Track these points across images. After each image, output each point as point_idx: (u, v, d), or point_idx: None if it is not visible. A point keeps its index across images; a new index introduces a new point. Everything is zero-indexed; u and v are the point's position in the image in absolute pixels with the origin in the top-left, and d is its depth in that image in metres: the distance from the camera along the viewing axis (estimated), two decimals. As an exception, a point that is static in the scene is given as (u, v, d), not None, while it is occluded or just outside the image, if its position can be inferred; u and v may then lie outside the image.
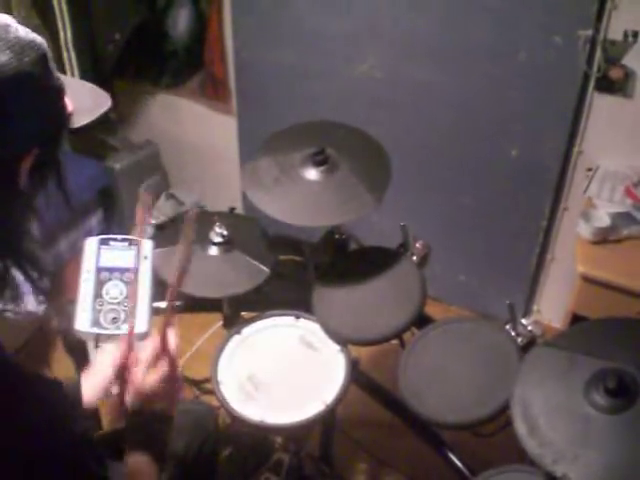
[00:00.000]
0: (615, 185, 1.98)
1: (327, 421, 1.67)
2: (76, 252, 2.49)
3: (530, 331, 1.29)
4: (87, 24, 2.43)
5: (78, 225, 2.63)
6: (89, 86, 1.00)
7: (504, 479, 1.11)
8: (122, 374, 1.05)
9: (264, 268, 1.46)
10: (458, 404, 1.25)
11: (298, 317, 1.46)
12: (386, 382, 1.50)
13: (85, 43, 2.44)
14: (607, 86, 1.93)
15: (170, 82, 2.73)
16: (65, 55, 2.38)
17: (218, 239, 1.48)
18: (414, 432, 1.43)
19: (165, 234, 1.71)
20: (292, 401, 1.29)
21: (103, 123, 2.85)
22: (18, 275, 0.81)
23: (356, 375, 1.39)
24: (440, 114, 2.24)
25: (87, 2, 2.42)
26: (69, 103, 0.80)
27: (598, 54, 1.88)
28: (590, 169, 2.05)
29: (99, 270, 1.24)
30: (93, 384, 1.17)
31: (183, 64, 2.64)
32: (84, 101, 0.88)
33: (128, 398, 1.03)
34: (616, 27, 1.83)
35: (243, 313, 1.57)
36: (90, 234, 2.59)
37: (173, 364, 1.05)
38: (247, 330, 1.44)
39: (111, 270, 1.25)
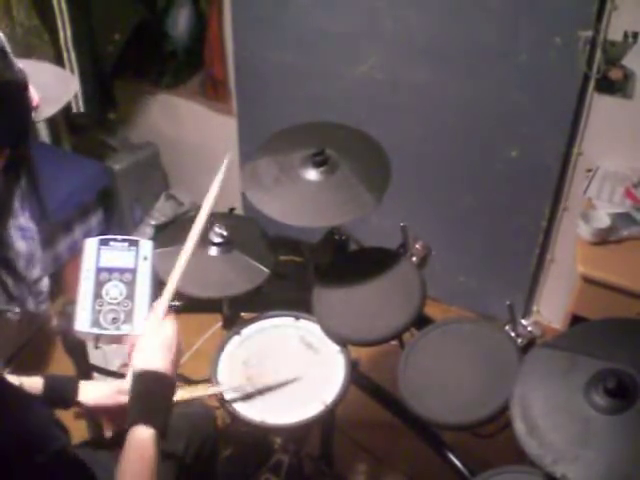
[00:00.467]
0: (615, 186, 1.99)
1: (327, 421, 1.67)
2: (76, 252, 2.50)
3: (530, 332, 1.29)
4: (87, 24, 2.44)
5: (78, 225, 2.63)
6: (53, 70, 0.96)
7: (504, 479, 1.11)
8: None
9: (264, 268, 1.46)
10: (458, 405, 1.25)
11: (298, 318, 1.46)
12: (386, 383, 1.50)
13: (85, 43, 2.44)
14: (607, 87, 1.93)
15: (170, 82, 2.73)
16: (65, 55, 2.38)
17: (218, 239, 1.48)
18: (414, 432, 1.43)
19: (165, 234, 1.70)
20: (292, 402, 1.29)
21: (103, 123, 2.86)
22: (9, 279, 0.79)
23: (356, 376, 1.39)
24: (440, 114, 2.24)
25: (87, 2, 2.42)
26: (34, 95, 0.77)
27: (598, 55, 1.88)
28: (590, 170, 2.05)
29: (99, 270, 1.24)
30: (96, 388, 1.18)
31: (183, 64, 2.65)
32: (50, 89, 0.84)
33: (130, 361, 1.02)
34: (616, 28, 1.83)
35: (243, 314, 1.57)
36: (90, 234, 2.59)
37: (173, 327, 1.06)
38: (247, 331, 1.44)
39: (111, 270, 1.25)
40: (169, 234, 1.68)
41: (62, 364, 2.05)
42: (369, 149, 1.51)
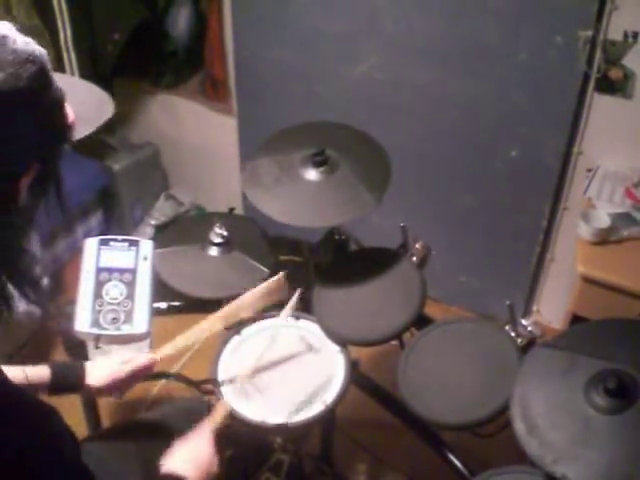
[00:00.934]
0: (615, 186, 1.99)
1: (327, 421, 1.67)
2: (76, 252, 2.50)
3: (530, 332, 1.29)
4: (87, 24, 2.44)
5: (78, 225, 2.63)
6: (91, 89, 0.96)
7: (504, 479, 1.11)
8: None
9: (264, 268, 1.46)
10: (458, 404, 1.25)
11: (298, 317, 1.46)
12: (386, 383, 1.50)
13: (85, 43, 2.44)
14: (607, 87, 1.93)
15: (170, 82, 2.73)
16: (65, 55, 2.38)
17: (218, 239, 1.48)
18: (414, 432, 1.43)
19: (165, 234, 1.70)
20: (292, 402, 1.28)
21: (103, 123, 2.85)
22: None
23: (356, 376, 1.39)
24: (440, 114, 2.24)
25: (87, 2, 2.42)
26: (70, 113, 0.77)
27: (598, 55, 1.88)
28: (590, 169, 2.05)
29: (99, 270, 1.24)
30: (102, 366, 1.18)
31: (183, 64, 2.65)
32: (86, 109, 0.84)
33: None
34: (616, 28, 1.83)
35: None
36: (90, 234, 2.59)
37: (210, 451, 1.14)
38: (247, 330, 1.44)
39: (111, 270, 1.25)
40: (169, 234, 1.68)
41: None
42: (369, 149, 1.51)
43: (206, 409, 1.42)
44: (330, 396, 1.29)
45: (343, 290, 1.47)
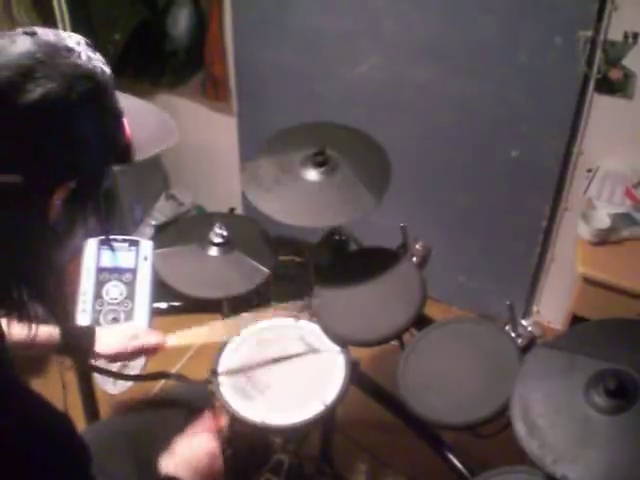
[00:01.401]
0: (615, 186, 1.98)
1: (327, 422, 1.67)
2: (76, 252, 2.49)
3: (530, 332, 1.29)
4: (87, 24, 2.43)
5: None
6: (157, 115, 0.95)
7: (504, 479, 1.11)
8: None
9: (264, 268, 1.46)
10: (458, 405, 1.25)
11: (298, 318, 1.46)
12: (386, 383, 1.50)
13: (85, 43, 2.44)
14: (607, 87, 1.93)
15: (170, 82, 2.72)
16: (65, 55, 2.38)
17: (218, 239, 1.48)
18: (414, 432, 1.43)
19: (165, 234, 1.70)
20: (292, 402, 1.28)
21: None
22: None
23: (356, 376, 1.39)
24: (440, 115, 2.24)
25: (87, 2, 2.41)
26: (126, 136, 0.77)
27: (598, 55, 1.88)
28: (590, 170, 2.05)
29: (99, 270, 1.25)
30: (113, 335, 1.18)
31: (183, 64, 2.64)
32: (145, 134, 0.83)
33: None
34: (616, 28, 1.83)
35: (243, 313, 1.57)
36: (90, 234, 2.59)
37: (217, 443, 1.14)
38: (247, 331, 1.44)
39: (111, 270, 1.25)
40: (169, 234, 1.68)
41: (62, 364, 2.05)
42: (369, 149, 1.51)
43: (206, 407, 1.42)
44: (330, 396, 1.29)
45: (343, 290, 1.47)
